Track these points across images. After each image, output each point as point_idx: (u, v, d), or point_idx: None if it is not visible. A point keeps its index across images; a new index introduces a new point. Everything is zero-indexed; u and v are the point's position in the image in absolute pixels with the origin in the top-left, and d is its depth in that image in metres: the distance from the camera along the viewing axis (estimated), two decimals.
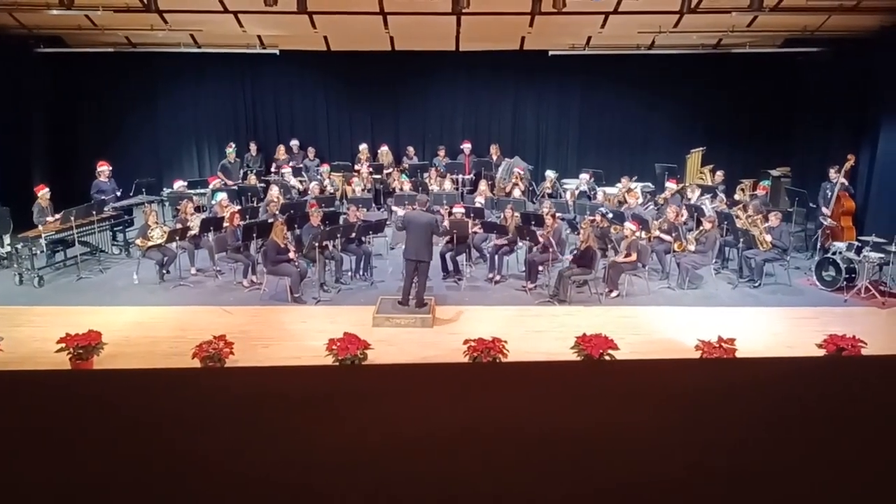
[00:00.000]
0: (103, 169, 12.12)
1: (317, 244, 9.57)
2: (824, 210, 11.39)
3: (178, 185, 12.73)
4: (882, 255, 9.72)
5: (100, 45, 13.26)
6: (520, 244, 10.64)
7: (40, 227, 10.45)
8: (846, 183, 11.32)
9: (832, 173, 11.41)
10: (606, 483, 1.12)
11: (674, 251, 10.38)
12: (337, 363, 6.92)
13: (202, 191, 12.91)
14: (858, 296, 9.71)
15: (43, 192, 10.82)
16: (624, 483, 1.11)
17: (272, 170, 14.16)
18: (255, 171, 13.95)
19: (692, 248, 10.21)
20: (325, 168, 13.63)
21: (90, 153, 13.41)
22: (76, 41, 13.28)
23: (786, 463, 1.16)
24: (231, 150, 14.00)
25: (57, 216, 10.68)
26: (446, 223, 10.37)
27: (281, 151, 14.41)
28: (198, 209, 11.67)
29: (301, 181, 13.33)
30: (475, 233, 10.56)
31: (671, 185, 12.31)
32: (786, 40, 13.12)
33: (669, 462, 1.16)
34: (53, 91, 13.82)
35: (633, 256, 9.75)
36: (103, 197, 11.78)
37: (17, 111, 12.84)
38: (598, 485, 1.11)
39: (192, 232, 10.50)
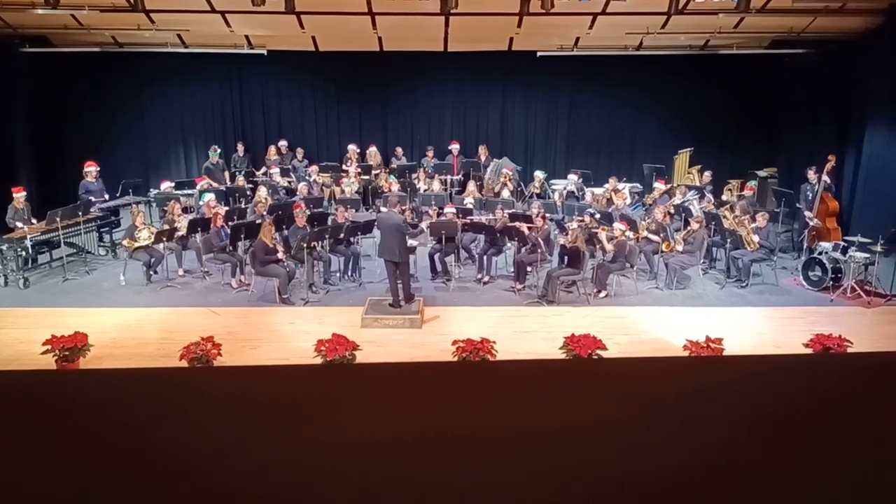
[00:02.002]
0: (90, 169, 12.03)
1: (305, 245, 9.54)
2: (807, 213, 11.47)
3: (166, 185, 12.66)
4: (867, 256, 9.80)
5: (86, 44, 13.17)
6: (508, 244, 10.65)
7: (25, 229, 10.35)
8: (829, 181, 11.40)
9: (811, 175, 11.50)
10: (596, 482, 1.11)
11: (662, 251, 10.42)
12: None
13: (189, 191, 12.84)
14: (844, 295, 9.78)
15: (19, 195, 10.72)
16: (613, 482, 1.11)
17: (262, 171, 14.08)
18: (242, 172, 13.89)
19: (680, 248, 10.25)
20: (314, 168, 13.60)
21: (76, 154, 13.31)
22: (62, 41, 13.18)
23: (775, 459, 1.16)
24: (214, 153, 13.92)
25: (35, 221, 10.65)
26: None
27: (272, 152, 14.35)
28: (185, 210, 11.61)
29: (289, 182, 13.29)
30: (465, 225, 10.54)
31: (659, 186, 12.36)
32: (772, 42, 13.21)
33: (659, 460, 1.16)
34: (39, 91, 13.70)
35: (610, 247, 9.78)
36: (90, 197, 11.70)
37: (1, 111, 12.72)
38: (587, 483, 1.11)
39: (180, 233, 10.45)
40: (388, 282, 9.30)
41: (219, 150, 14.04)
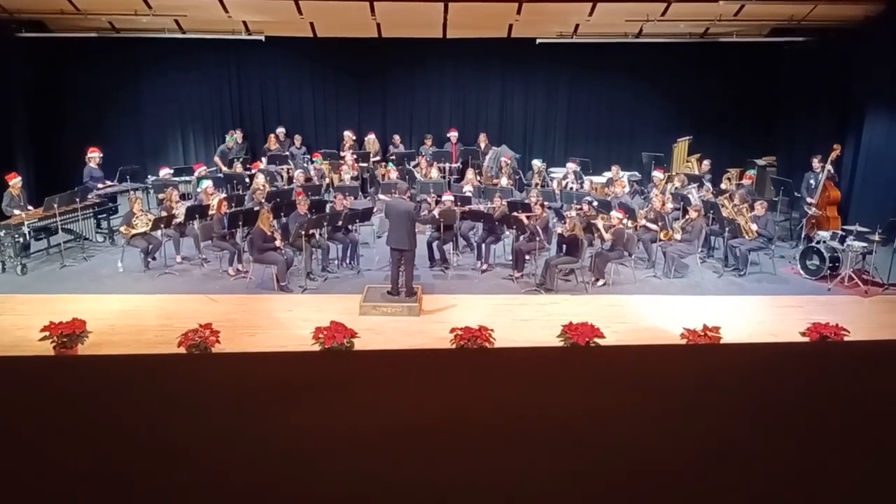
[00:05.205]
0: (94, 155, 12.00)
1: (303, 232, 9.53)
2: (809, 200, 11.48)
3: (164, 172, 12.63)
4: (865, 245, 9.80)
5: (83, 30, 13.07)
6: (507, 233, 10.65)
7: (22, 215, 10.33)
8: (832, 171, 11.40)
9: (815, 163, 11.49)
10: (594, 469, 1.12)
11: (660, 240, 10.42)
12: None
13: (187, 178, 12.81)
14: (842, 284, 9.80)
15: (14, 181, 10.69)
16: (612, 469, 1.11)
17: (261, 159, 14.04)
18: (241, 159, 13.85)
19: (678, 237, 10.26)
20: (318, 158, 13.53)
21: (73, 140, 13.27)
22: (58, 26, 13.08)
23: (774, 446, 1.17)
24: (231, 137, 14.08)
25: (31, 208, 10.62)
26: (435, 212, 10.33)
27: (272, 141, 14.31)
28: (183, 197, 11.58)
29: (287, 169, 13.26)
30: (464, 213, 10.52)
31: (658, 174, 12.34)
32: (772, 29, 13.16)
33: (657, 448, 1.16)
34: (35, 77, 13.62)
35: (608, 235, 9.79)
36: (97, 184, 11.71)
37: None
38: (585, 470, 1.11)
39: (178, 220, 10.43)
40: (386, 269, 9.29)
41: (235, 136, 14.12)
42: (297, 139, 14.59)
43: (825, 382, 1.42)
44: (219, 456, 1.14)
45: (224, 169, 13.24)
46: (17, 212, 10.46)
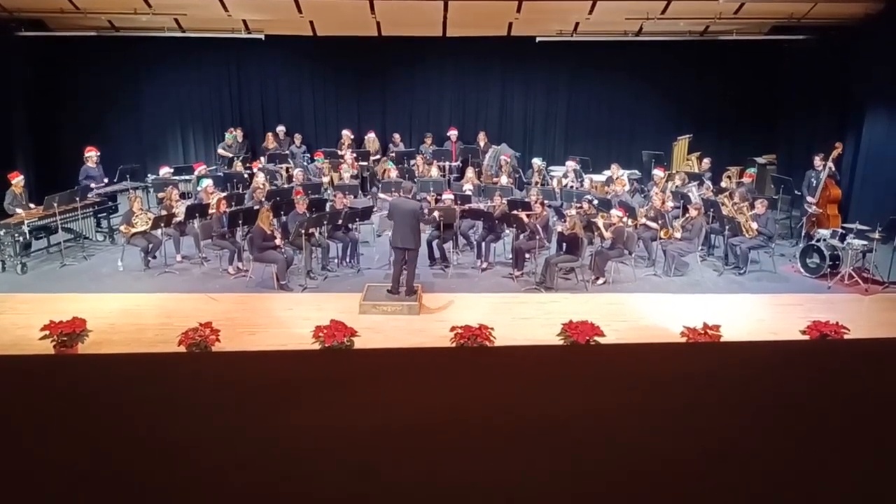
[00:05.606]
0: (91, 154, 12.00)
1: (303, 231, 9.53)
2: (809, 199, 11.48)
3: (165, 171, 12.63)
4: (865, 243, 9.80)
5: (82, 28, 13.07)
6: (507, 231, 10.64)
7: (23, 214, 10.33)
8: (833, 168, 11.40)
9: (817, 161, 11.49)
10: (595, 468, 1.12)
11: (660, 238, 10.43)
12: None
13: (187, 177, 12.81)
14: (842, 283, 9.80)
15: (17, 180, 10.68)
16: (612, 469, 1.11)
17: (260, 158, 14.06)
18: (241, 158, 13.85)
19: (678, 235, 10.26)
20: (320, 157, 13.51)
21: (73, 139, 13.27)
22: (58, 25, 13.08)
23: (775, 445, 1.17)
24: (231, 135, 14.19)
25: (32, 206, 10.61)
26: (435, 214, 10.33)
27: (270, 140, 14.31)
28: (183, 196, 11.58)
29: (287, 168, 13.26)
30: (464, 212, 10.51)
31: (658, 173, 12.34)
32: (772, 28, 13.16)
33: (657, 446, 1.16)
34: (35, 76, 13.61)
35: (608, 234, 9.79)
36: (92, 183, 11.69)
37: None
38: (586, 470, 1.11)
39: (178, 219, 10.43)
40: (385, 268, 9.27)
41: (235, 133, 14.19)
42: (297, 138, 14.59)
43: (825, 381, 1.42)
44: (219, 455, 1.14)
45: (230, 157, 13.44)
46: (19, 210, 10.47)
